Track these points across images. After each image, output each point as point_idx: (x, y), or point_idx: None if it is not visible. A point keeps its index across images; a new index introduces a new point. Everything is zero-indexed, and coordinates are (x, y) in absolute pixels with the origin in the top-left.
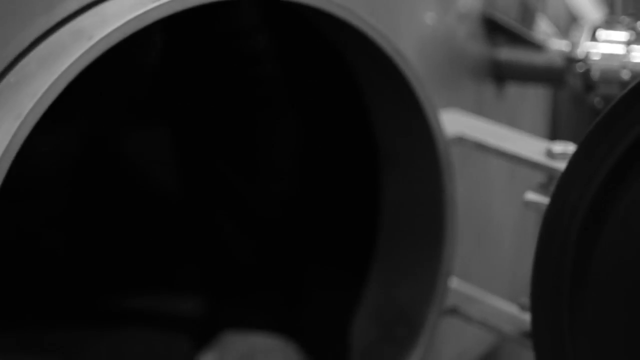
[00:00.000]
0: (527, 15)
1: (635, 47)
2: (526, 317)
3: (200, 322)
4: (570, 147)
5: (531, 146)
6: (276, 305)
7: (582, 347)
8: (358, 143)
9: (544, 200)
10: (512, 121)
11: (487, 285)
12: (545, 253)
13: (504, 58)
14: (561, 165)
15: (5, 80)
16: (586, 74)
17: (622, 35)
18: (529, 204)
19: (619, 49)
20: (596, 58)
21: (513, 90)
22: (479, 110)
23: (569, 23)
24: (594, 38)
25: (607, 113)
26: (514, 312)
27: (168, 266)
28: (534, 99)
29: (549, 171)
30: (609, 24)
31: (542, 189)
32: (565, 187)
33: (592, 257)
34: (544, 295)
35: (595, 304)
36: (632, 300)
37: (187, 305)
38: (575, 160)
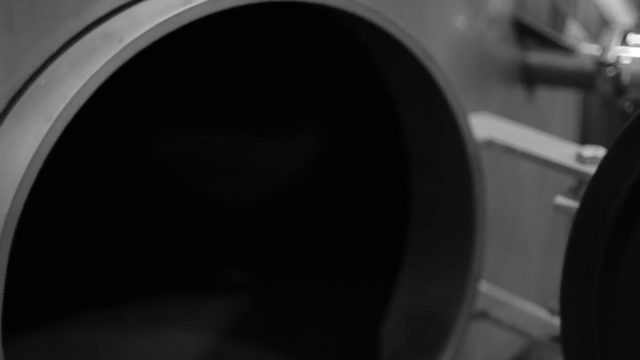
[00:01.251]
0: (558, 19)
1: None
2: (555, 321)
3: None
4: (600, 151)
5: (561, 150)
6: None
7: (612, 352)
8: (388, 146)
9: (573, 204)
10: (542, 125)
11: (516, 289)
12: (575, 257)
13: (534, 62)
14: (591, 170)
15: (35, 83)
16: (616, 78)
17: None
18: (559, 208)
19: None
20: (627, 62)
21: (543, 94)
22: (509, 114)
23: (600, 27)
24: (624, 42)
25: (638, 116)
26: (543, 316)
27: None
28: (564, 103)
29: (579, 175)
30: None
31: (572, 193)
32: (596, 190)
33: (622, 261)
34: (574, 299)
35: (625, 309)
36: None
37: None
38: (605, 164)
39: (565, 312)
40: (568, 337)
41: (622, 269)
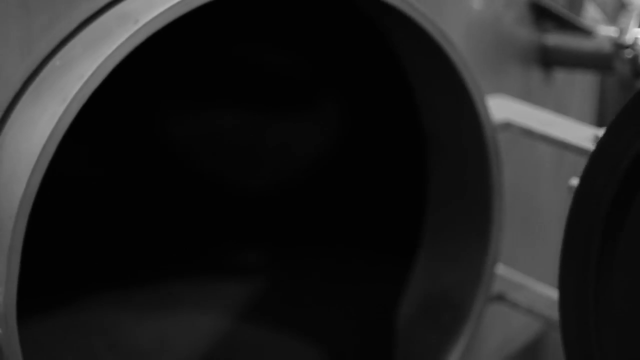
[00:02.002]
0: (575, 1)
1: None
2: None
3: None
4: None
5: (578, 132)
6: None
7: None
8: (405, 129)
9: None
10: (559, 107)
11: (533, 272)
12: (573, 236)
13: (551, 44)
14: None
15: (50, 64)
16: (634, 60)
17: None
18: (574, 190)
19: None
20: None
21: (560, 76)
22: (526, 96)
23: (618, 9)
24: None
25: (635, 96)
26: None
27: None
28: (582, 85)
29: None
30: None
31: None
32: (594, 168)
33: (619, 240)
34: (571, 278)
35: (621, 289)
36: None
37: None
38: (603, 142)
39: (562, 290)
40: (565, 315)
41: (619, 249)
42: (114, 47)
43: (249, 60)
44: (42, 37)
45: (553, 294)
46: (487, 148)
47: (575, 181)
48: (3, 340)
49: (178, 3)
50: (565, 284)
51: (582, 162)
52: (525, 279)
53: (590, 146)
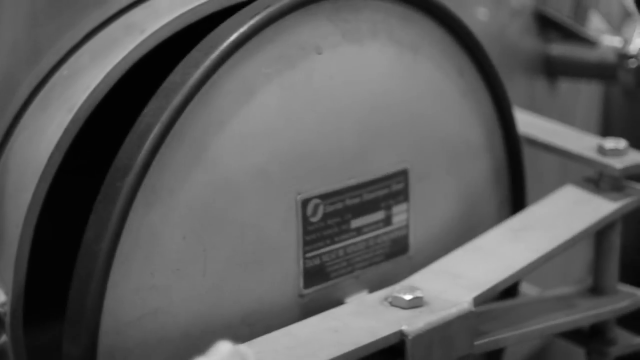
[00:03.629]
0: (580, 11)
1: None
2: None
3: None
4: (621, 143)
5: (583, 142)
6: None
7: None
8: None
9: None
10: (563, 117)
11: (537, 282)
12: None
13: (556, 54)
14: (612, 161)
15: (58, 73)
16: (638, 70)
17: None
18: None
19: None
20: None
21: (565, 86)
22: (531, 105)
23: (622, 19)
24: None
25: None
26: None
27: None
28: (586, 95)
29: (599, 167)
30: None
31: (592, 184)
32: None
33: None
34: None
35: None
36: None
37: None
38: None
39: None
40: None
41: None
42: (120, 56)
43: None
44: (50, 46)
45: None
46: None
47: None
48: (9, 347)
49: (184, 13)
50: None
51: (586, 171)
52: (528, 288)
53: (594, 156)
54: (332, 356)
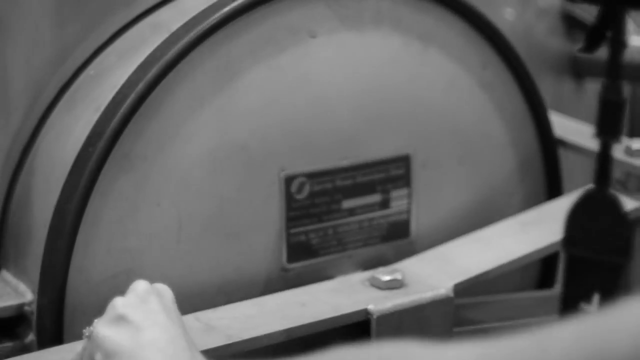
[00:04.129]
0: None
1: None
2: None
3: None
4: None
5: None
6: None
7: None
8: None
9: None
10: (590, 118)
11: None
12: None
13: (582, 54)
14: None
15: (85, 73)
16: None
17: None
18: None
19: None
20: None
21: (592, 86)
22: (558, 106)
23: None
24: None
25: None
26: None
27: None
28: None
29: (627, 168)
30: None
31: (619, 185)
32: None
33: None
34: None
35: None
36: None
37: None
38: None
39: None
40: None
41: None
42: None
43: None
44: (77, 46)
45: None
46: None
47: None
48: (36, 346)
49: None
50: None
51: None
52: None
53: (622, 156)
54: (286, 327)
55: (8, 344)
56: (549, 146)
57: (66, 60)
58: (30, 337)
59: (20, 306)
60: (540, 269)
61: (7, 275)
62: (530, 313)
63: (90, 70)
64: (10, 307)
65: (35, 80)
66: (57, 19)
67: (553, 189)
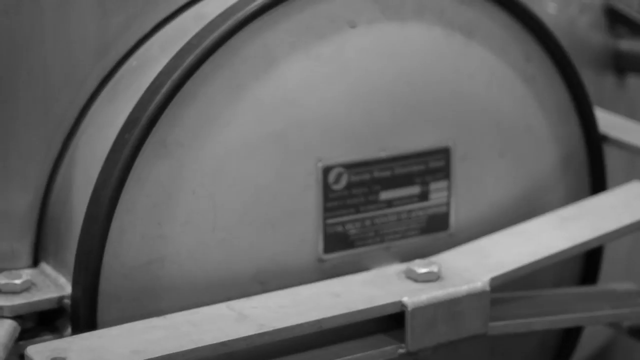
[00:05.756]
0: None
1: None
2: None
3: None
4: None
5: None
6: None
7: None
8: None
9: None
10: (632, 113)
11: (602, 278)
12: None
13: (625, 49)
14: None
15: (127, 64)
16: None
17: None
18: None
19: None
20: None
21: (634, 81)
22: (599, 101)
23: None
24: None
25: None
26: None
27: None
28: None
29: None
30: None
31: None
32: None
33: None
34: None
35: None
36: None
37: None
38: None
39: None
40: None
41: None
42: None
43: None
44: (119, 37)
45: None
46: None
47: None
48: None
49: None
50: None
51: None
52: None
53: None
54: (319, 317)
55: (48, 337)
56: (593, 141)
57: (109, 52)
58: (69, 330)
59: (60, 299)
60: (583, 265)
61: (47, 267)
62: (570, 309)
63: (133, 61)
64: (49, 300)
65: (77, 72)
66: (100, 10)
67: (596, 185)
